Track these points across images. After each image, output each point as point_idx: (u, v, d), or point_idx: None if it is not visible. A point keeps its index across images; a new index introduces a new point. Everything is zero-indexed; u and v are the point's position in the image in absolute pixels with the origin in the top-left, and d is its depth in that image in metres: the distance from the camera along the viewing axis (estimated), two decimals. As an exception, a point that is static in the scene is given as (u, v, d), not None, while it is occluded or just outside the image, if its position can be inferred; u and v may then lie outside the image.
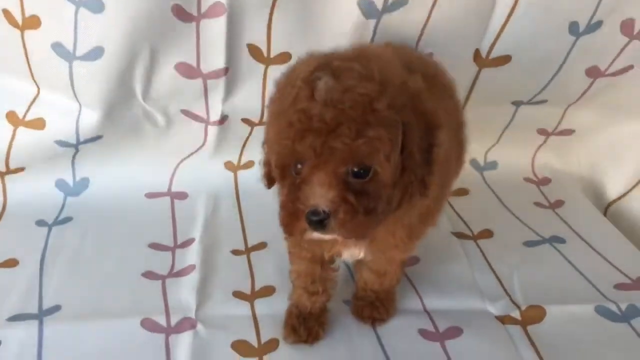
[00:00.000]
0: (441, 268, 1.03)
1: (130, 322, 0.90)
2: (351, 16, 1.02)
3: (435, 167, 0.66)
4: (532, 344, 0.89)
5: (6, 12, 1.01)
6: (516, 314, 0.94)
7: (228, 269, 1.03)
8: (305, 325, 0.87)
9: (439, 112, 0.67)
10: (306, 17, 1.04)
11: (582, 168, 1.35)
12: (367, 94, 0.60)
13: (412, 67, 0.73)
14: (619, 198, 1.28)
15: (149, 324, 0.90)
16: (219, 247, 1.08)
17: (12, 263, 1.02)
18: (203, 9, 1.02)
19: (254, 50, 1.09)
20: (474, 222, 1.17)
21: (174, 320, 0.91)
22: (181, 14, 1.01)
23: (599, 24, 1.07)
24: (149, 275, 1.01)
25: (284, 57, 1.09)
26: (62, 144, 1.16)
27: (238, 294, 0.97)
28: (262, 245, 1.09)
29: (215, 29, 1.04)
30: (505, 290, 0.99)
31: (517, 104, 1.24)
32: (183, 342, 0.87)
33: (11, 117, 1.14)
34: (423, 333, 0.90)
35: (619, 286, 1.00)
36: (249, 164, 1.26)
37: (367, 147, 0.60)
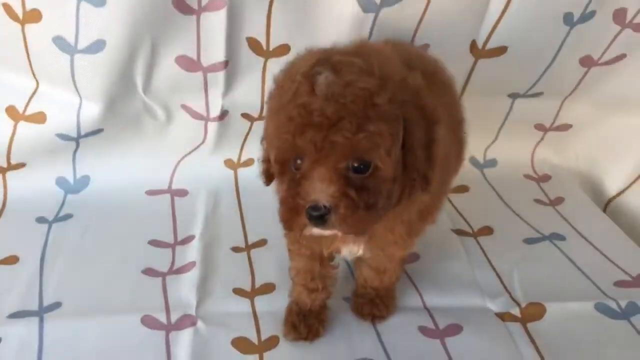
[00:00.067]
0: (441, 265, 1.04)
1: (130, 319, 0.90)
2: (349, 10, 1.03)
3: (436, 163, 0.66)
4: (532, 341, 0.89)
5: (6, 6, 1.01)
6: (516, 311, 0.94)
7: (228, 266, 1.03)
8: (305, 322, 0.87)
9: (438, 108, 0.67)
10: (305, 10, 1.04)
11: (581, 164, 1.35)
12: (368, 88, 0.60)
13: (411, 64, 0.73)
14: (619, 194, 1.28)
15: (149, 321, 0.90)
16: (219, 244, 1.08)
17: (12, 260, 1.02)
18: (204, 2, 1.02)
19: (254, 44, 1.09)
20: (474, 219, 1.17)
21: (174, 317, 0.91)
22: (182, 7, 1.02)
23: (593, 13, 1.08)
24: (149, 272, 1.01)
25: (283, 49, 1.09)
26: (64, 137, 1.16)
27: (238, 291, 0.97)
28: (262, 243, 1.09)
29: (215, 22, 1.05)
30: (505, 287, 0.99)
31: (513, 96, 1.25)
32: (183, 339, 0.87)
33: (11, 111, 1.14)
34: (423, 330, 0.90)
35: (618, 283, 1.00)
36: (249, 162, 1.26)
37: (368, 141, 0.60)
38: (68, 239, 1.08)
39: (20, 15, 1.02)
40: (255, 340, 0.88)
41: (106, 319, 0.90)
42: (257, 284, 0.99)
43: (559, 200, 1.25)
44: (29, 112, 1.14)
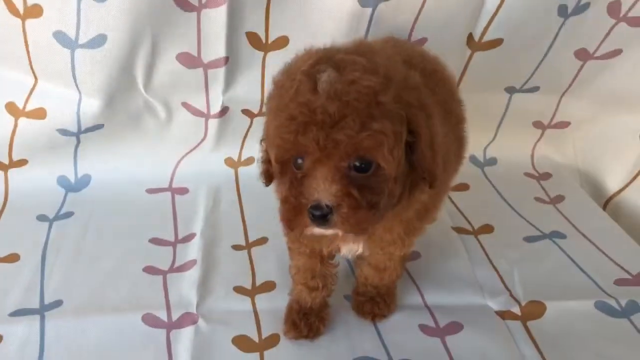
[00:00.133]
0: (442, 263, 1.04)
1: (131, 317, 0.90)
2: (347, 4, 1.03)
3: (439, 158, 0.66)
4: (532, 339, 0.89)
5: (7, 1, 1.01)
6: (516, 310, 0.94)
7: (229, 264, 1.03)
8: (306, 320, 0.88)
9: (433, 104, 0.67)
10: (303, 3, 1.05)
11: (580, 162, 1.36)
12: (372, 86, 0.60)
13: (412, 63, 0.73)
14: (619, 192, 1.28)
15: (150, 319, 0.90)
16: (219, 242, 1.08)
17: (13, 258, 1.02)
18: None
19: (253, 38, 1.10)
20: (475, 217, 1.17)
21: (175, 315, 0.91)
22: (183, 3, 1.02)
23: (587, 5, 1.09)
24: (150, 270, 1.01)
25: (282, 41, 1.10)
26: (64, 132, 1.16)
27: (239, 289, 0.97)
28: (263, 241, 1.09)
29: (216, 19, 1.05)
30: (505, 285, 0.99)
31: (510, 90, 1.26)
32: (184, 337, 0.87)
33: (11, 107, 1.15)
34: (423, 328, 0.91)
35: (619, 282, 1.00)
36: (250, 160, 1.27)
37: (372, 140, 0.59)
38: (69, 237, 1.08)
39: (21, 11, 1.02)
40: (255, 339, 0.88)
41: (107, 317, 0.90)
42: (258, 282, 0.99)
43: (560, 199, 1.25)
44: (29, 107, 1.14)
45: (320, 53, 0.65)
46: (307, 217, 0.62)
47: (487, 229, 1.14)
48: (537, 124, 1.34)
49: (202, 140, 1.24)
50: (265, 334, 0.89)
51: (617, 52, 1.17)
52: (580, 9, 1.09)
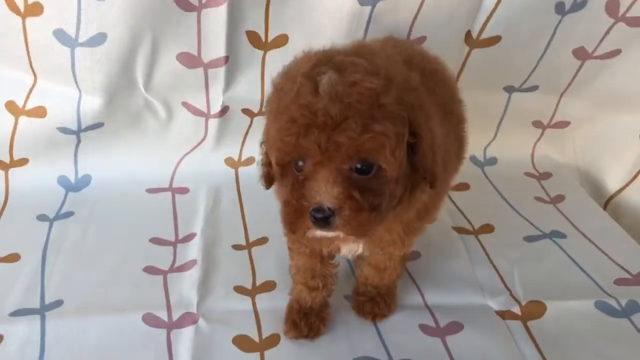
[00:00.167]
0: (442, 263, 1.04)
1: (131, 317, 0.90)
2: (347, 3, 1.03)
3: (439, 158, 0.66)
4: (532, 339, 0.89)
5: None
6: (516, 309, 0.94)
7: (229, 264, 1.03)
8: (306, 320, 0.88)
9: (431, 105, 0.67)
10: (303, 2, 1.05)
11: (581, 161, 1.36)
12: (373, 88, 0.60)
13: (412, 63, 0.73)
14: (619, 191, 1.28)
15: (150, 319, 0.90)
16: (220, 242, 1.08)
17: (13, 258, 1.02)
18: None
19: (253, 37, 1.10)
20: (475, 217, 1.17)
21: (175, 315, 0.91)
22: (183, 3, 1.03)
23: (584, 3, 1.10)
24: (150, 270, 1.01)
25: (281, 40, 1.10)
26: (64, 130, 1.16)
27: (239, 289, 0.97)
28: (263, 240, 1.09)
29: (216, 18, 1.05)
30: (505, 285, 0.99)
31: (509, 90, 1.26)
32: (184, 337, 0.87)
33: (11, 106, 1.15)
34: (424, 328, 0.91)
35: (619, 281, 1.01)
36: (250, 160, 1.27)
37: (373, 142, 0.59)
38: (69, 236, 1.08)
39: (22, 9, 1.02)
40: (256, 338, 0.88)
41: (107, 317, 0.90)
42: (258, 282, 0.99)
43: (560, 198, 1.25)
44: (29, 106, 1.14)
45: (320, 55, 0.65)
46: (309, 219, 0.62)
47: (488, 228, 1.14)
48: (537, 124, 1.34)
49: (203, 139, 1.24)
50: (265, 333, 0.89)
51: (616, 52, 1.17)
52: (577, 6, 1.10)
